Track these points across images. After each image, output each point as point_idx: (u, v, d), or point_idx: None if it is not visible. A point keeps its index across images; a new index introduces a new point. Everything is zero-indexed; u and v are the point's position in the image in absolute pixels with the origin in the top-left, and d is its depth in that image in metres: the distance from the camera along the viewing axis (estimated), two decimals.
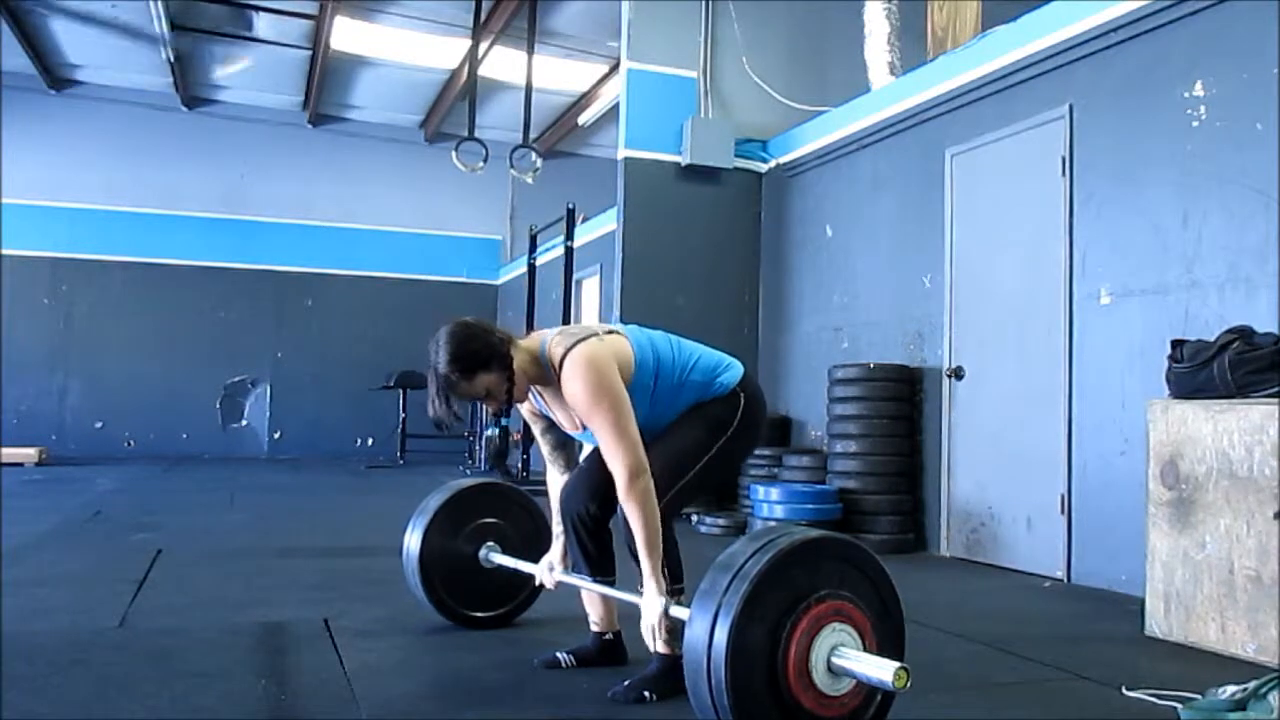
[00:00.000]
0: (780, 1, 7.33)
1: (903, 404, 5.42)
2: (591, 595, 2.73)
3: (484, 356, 2.41)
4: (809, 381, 6.43)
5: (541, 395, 2.59)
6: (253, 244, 11.95)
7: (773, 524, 4.69)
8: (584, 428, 2.52)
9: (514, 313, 11.41)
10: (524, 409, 2.69)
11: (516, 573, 3.04)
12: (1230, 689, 2.39)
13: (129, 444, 11.33)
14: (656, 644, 2.45)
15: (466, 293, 12.65)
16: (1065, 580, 4.38)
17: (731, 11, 7.14)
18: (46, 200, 11.20)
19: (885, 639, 1.98)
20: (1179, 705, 2.43)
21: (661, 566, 2.36)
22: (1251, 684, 2.37)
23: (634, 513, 2.31)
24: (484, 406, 2.51)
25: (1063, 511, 4.44)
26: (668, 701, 2.41)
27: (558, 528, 2.74)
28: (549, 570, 2.77)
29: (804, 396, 6.54)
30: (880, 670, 1.81)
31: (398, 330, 11.98)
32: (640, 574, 2.37)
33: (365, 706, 2.33)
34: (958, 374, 5.19)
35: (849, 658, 1.87)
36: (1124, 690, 2.60)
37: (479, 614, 3.16)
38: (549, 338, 2.49)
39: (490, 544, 3.13)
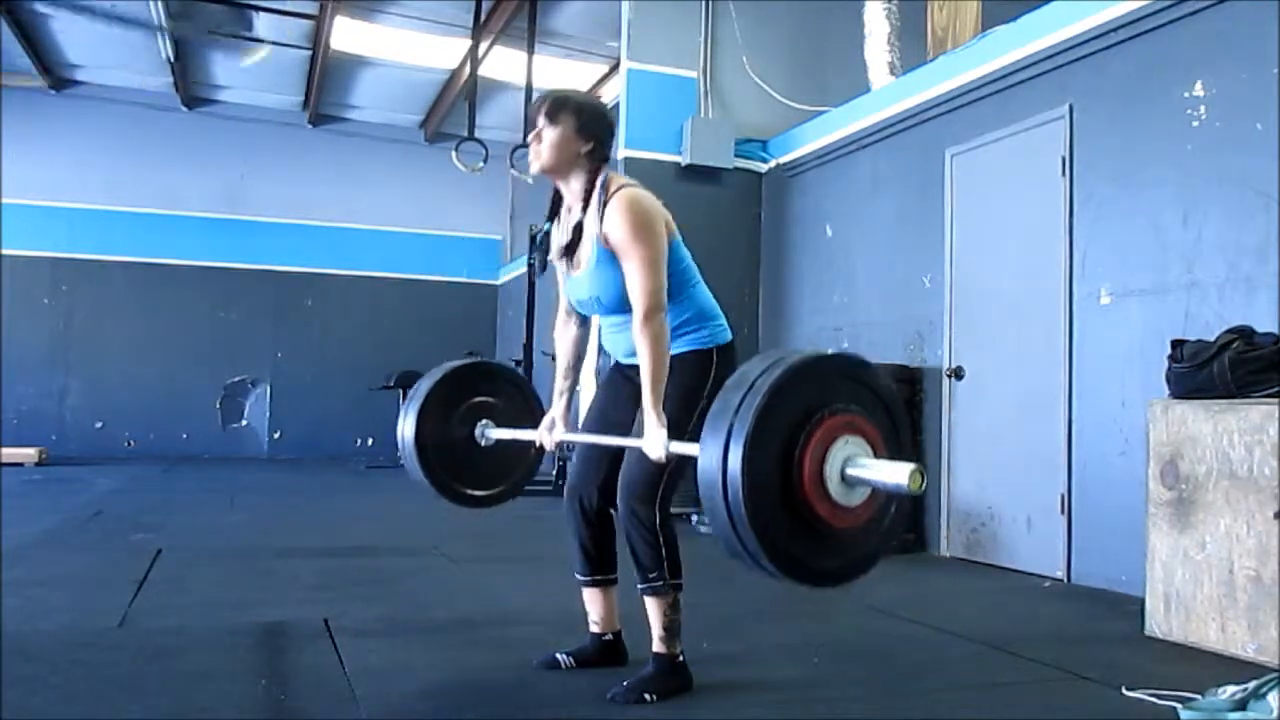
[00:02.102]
0: (780, 1, 7.32)
1: (902, 404, 5.41)
2: (592, 595, 2.70)
3: (596, 126, 2.49)
4: None
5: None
6: (253, 244, 11.93)
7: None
8: (582, 265, 2.52)
9: (514, 313, 11.41)
10: (553, 253, 2.68)
11: (515, 447, 2.99)
12: (1230, 689, 2.39)
13: (129, 444, 11.32)
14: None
15: (466, 293, 12.65)
16: (1065, 580, 4.38)
17: (731, 11, 7.14)
18: (46, 200, 11.18)
19: (894, 455, 1.95)
20: (1179, 705, 2.43)
21: (660, 558, 2.36)
22: (1251, 684, 2.37)
23: (644, 344, 2.34)
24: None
25: (1063, 511, 4.44)
26: (667, 702, 2.41)
27: (562, 384, 2.74)
28: (549, 430, 2.72)
29: None
30: (895, 474, 1.79)
31: (398, 330, 11.98)
32: (641, 411, 2.36)
33: (365, 706, 2.33)
34: (958, 374, 5.19)
35: (864, 466, 1.85)
36: (1124, 690, 2.60)
37: (481, 492, 3.06)
38: (608, 172, 2.54)
39: (485, 422, 3.04)
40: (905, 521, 5.62)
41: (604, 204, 2.44)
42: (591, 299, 2.56)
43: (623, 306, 2.47)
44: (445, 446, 3.00)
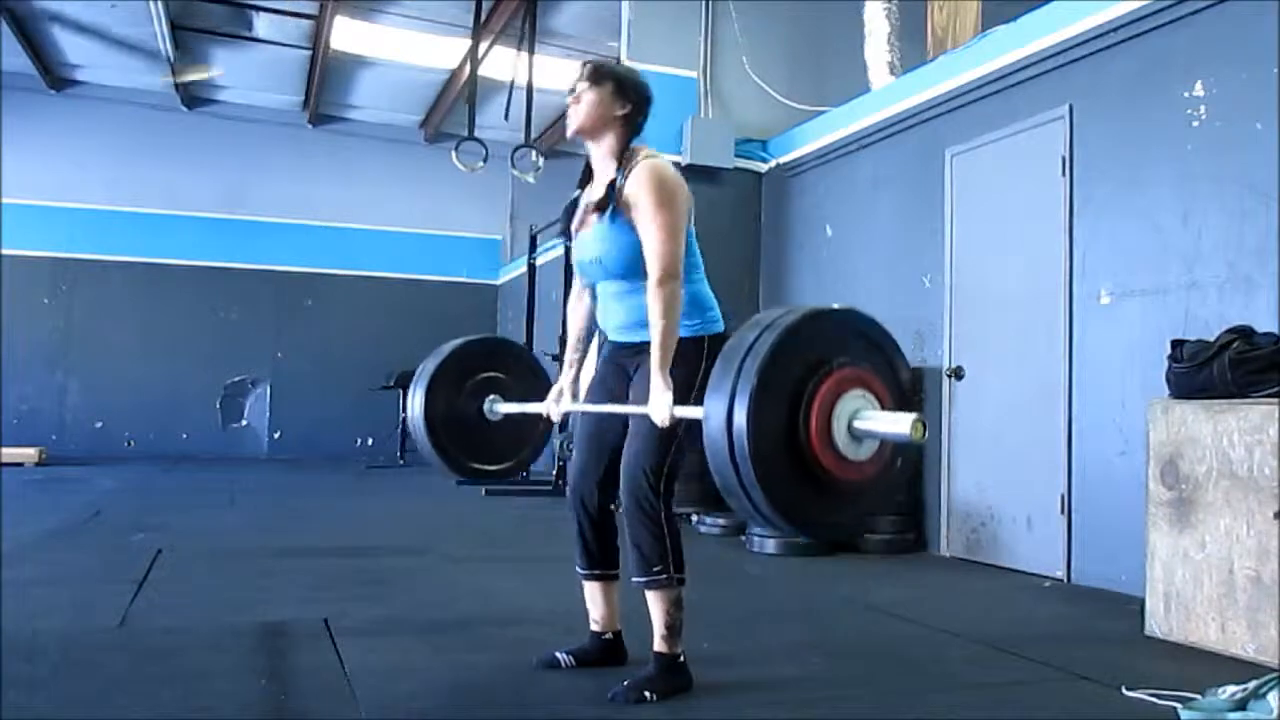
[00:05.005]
0: (780, 1, 7.33)
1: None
2: (594, 594, 2.71)
3: (635, 92, 2.56)
4: None
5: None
6: (253, 244, 11.93)
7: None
8: (593, 223, 2.54)
9: (514, 312, 11.41)
10: (576, 219, 2.69)
11: (523, 421, 3.01)
12: (1230, 689, 2.39)
13: (129, 444, 11.32)
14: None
15: (466, 293, 12.64)
16: (1065, 580, 4.38)
17: (731, 11, 7.14)
18: (47, 200, 11.18)
19: (899, 406, 1.99)
20: (1179, 705, 2.43)
21: (660, 556, 2.37)
22: (1251, 684, 2.37)
23: (656, 307, 2.36)
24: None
25: (1063, 511, 4.44)
26: (668, 702, 2.41)
27: (571, 354, 2.77)
28: (556, 400, 2.76)
29: None
30: (897, 424, 1.82)
31: (398, 330, 11.96)
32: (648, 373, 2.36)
33: (365, 706, 2.33)
34: (958, 374, 5.19)
35: (868, 418, 1.88)
36: (1124, 690, 2.60)
37: (492, 467, 3.10)
38: (639, 143, 2.61)
39: (493, 397, 3.07)
40: (906, 520, 5.57)
41: (630, 168, 2.49)
42: (594, 260, 2.57)
43: (623, 271, 2.50)
44: (454, 422, 3.03)
